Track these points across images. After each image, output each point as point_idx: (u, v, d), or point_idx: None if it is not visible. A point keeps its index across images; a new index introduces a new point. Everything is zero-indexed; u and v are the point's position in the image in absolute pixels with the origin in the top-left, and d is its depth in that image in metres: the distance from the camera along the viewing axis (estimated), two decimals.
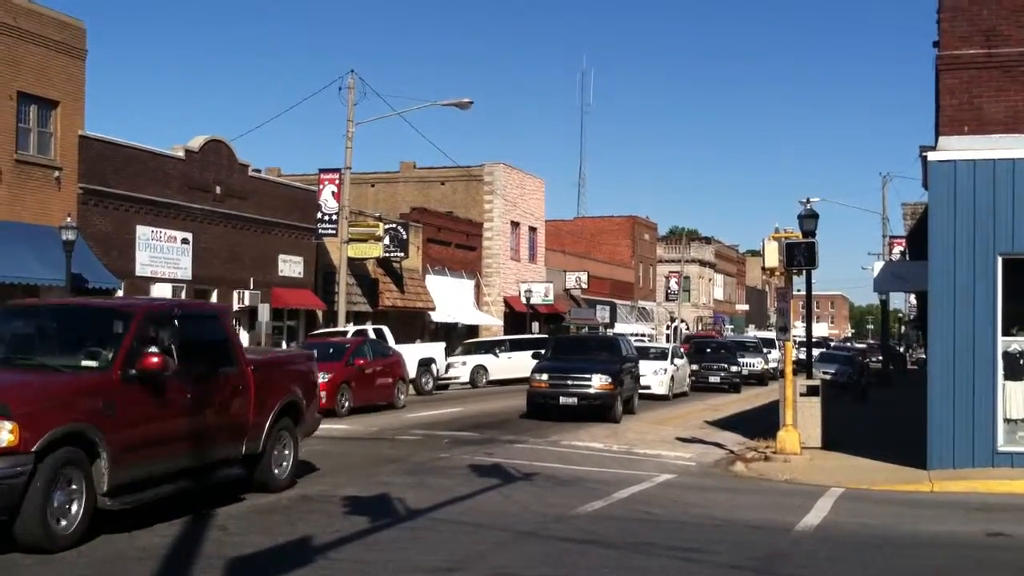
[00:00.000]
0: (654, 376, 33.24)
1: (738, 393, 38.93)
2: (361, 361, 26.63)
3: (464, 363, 40.48)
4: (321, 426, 21.90)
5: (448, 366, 38.95)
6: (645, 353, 34.16)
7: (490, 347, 42.89)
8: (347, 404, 25.43)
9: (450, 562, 9.38)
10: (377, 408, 26.84)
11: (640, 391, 30.72)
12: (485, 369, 40.75)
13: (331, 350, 26.41)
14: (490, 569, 9.26)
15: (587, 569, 9.44)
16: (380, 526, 10.99)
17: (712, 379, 40.14)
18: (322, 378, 20.60)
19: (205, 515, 11.28)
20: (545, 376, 24.95)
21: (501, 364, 41.08)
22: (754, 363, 46.61)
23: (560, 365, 25.58)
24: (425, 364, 34.65)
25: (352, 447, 18.50)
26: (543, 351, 28.62)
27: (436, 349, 36.99)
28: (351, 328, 34.28)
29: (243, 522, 11.06)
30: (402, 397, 28.53)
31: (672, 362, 34.91)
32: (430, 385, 34.82)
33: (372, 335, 32.25)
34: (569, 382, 24.65)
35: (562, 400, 24.34)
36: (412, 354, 33.57)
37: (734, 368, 41.12)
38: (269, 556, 9.48)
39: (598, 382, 24.49)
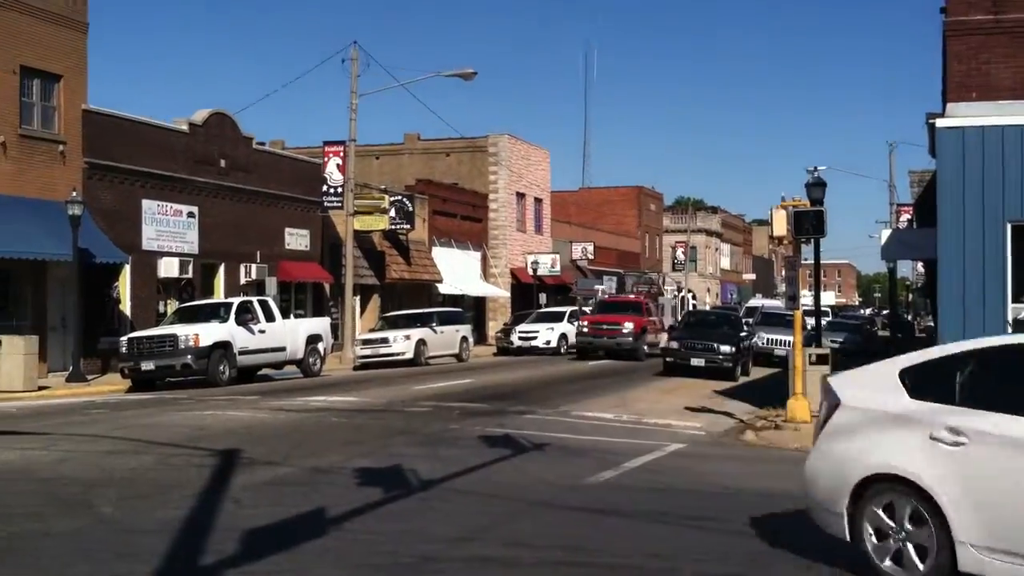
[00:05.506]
0: None
1: (735, 382, 29.51)
2: None
3: (408, 337, 35.46)
4: (329, 398, 22.34)
5: (382, 340, 35.51)
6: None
7: (418, 320, 37.47)
8: None
9: (463, 532, 9.41)
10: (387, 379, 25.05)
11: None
12: (426, 344, 36.18)
13: None
14: (503, 539, 9.29)
15: (600, 538, 9.46)
16: (393, 497, 11.02)
17: (695, 361, 30.74)
18: None
19: (218, 488, 11.35)
20: None
21: (438, 339, 37.03)
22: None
23: None
24: (312, 341, 30.31)
25: (363, 419, 18.54)
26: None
27: (322, 324, 32.46)
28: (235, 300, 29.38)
29: (256, 494, 11.11)
30: None
31: None
32: (318, 366, 30.66)
33: (258, 306, 28.49)
34: None
35: None
36: (299, 330, 30.16)
37: (725, 348, 30.95)
38: (283, 527, 9.51)
39: None
